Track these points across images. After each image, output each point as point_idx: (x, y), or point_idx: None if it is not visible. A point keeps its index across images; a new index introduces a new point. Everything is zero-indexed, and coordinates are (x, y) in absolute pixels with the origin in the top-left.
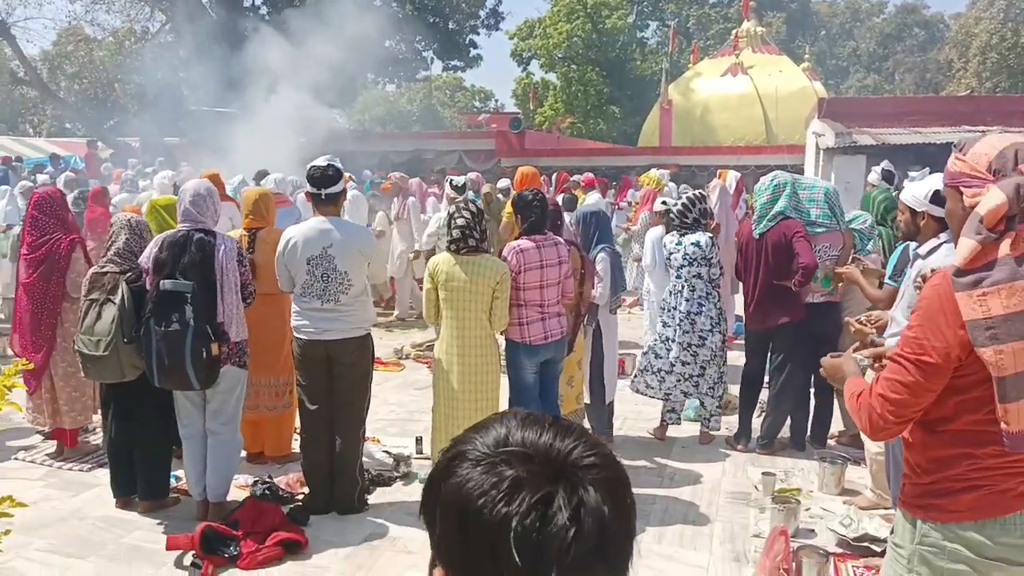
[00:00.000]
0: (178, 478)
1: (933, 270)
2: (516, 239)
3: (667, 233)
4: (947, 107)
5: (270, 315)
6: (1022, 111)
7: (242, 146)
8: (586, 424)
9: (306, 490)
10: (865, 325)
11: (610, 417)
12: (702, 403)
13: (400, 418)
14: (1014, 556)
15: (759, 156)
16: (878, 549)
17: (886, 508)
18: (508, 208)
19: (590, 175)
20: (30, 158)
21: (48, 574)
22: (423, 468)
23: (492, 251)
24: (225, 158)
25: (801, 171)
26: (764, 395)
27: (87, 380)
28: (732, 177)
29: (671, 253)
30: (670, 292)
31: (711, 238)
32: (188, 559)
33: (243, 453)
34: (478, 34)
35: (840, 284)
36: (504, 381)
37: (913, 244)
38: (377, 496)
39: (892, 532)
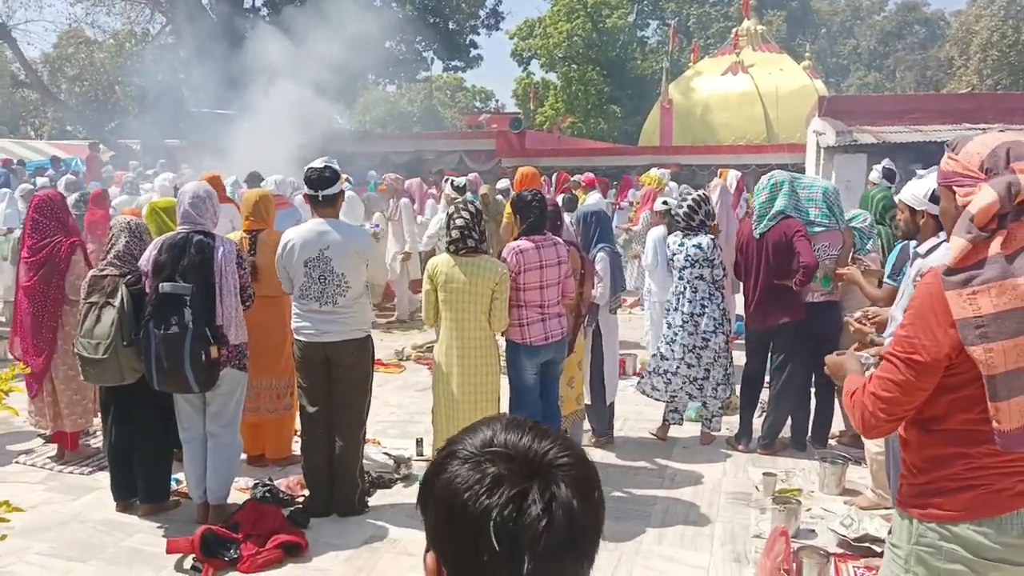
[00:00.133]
0: (178, 481)
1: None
2: (515, 240)
3: (670, 233)
4: (948, 105)
5: (271, 317)
6: (1023, 108)
7: (243, 148)
8: (586, 425)
9: (307, 492)
10: (864, 324)
11: (611, 418)
12: (704, 404)
13: (401, 420)
14: (1011, 556)
15: (760, 155)
16: (879, 549)
17: (887, 508)
18: (508, 209)
19: (590, 175)
20: (31, 161)
21: None
22: (423, 470)
23: (491, 252)
24: (226, 160)
25: (802, 170)
26: (765, 395)
27: (88, 383)
28: (733, 176)
29: (674, 254)
30: (673, 293)
31: (713, 239)
32: (188, 562)
33: (243, 456)
34: (478, 34)
35: (840, 284)
36: (504, 382)
37: (912, 243)
38: (377, 498)
39: (890, 532)
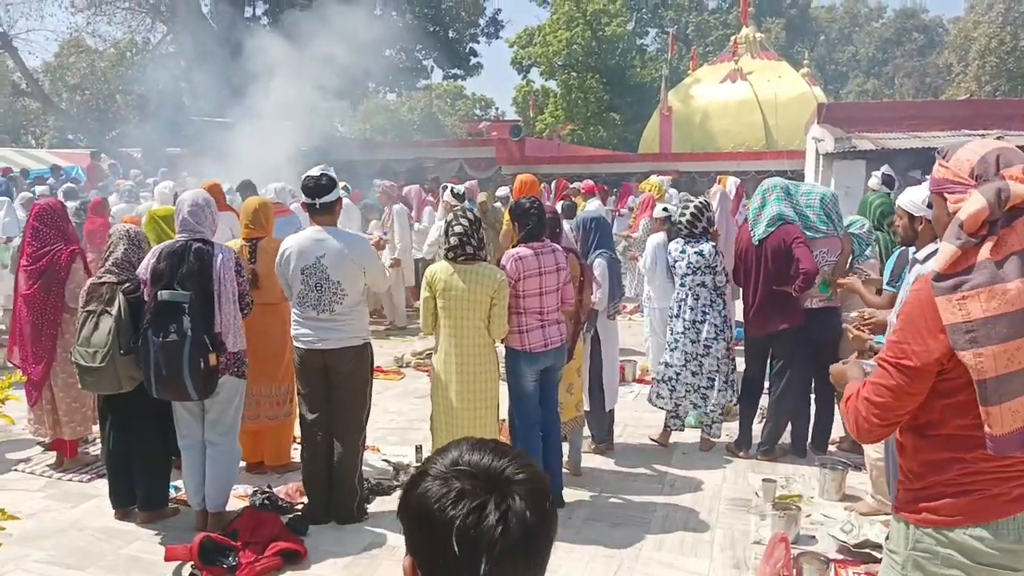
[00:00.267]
0: (177, 488)
1: None
2: (514, 247)
3: (670, 240)
4: (947, 111)
5: (271, 324)
6: (1022, 115)
7: (244, 156)
8: (586, 432)
9: (305, 500)
10: (863, 330)
11: (611, 424)
12: (705, 411)
13: (400, 427)
14: (1009, 561)
15: (759, 162)
16: (879, 555)
17: (887, 514)
18: (507, 216)
19: (590, 182)
20: (32, 170)
21: None
22: None
23: (490, 259)
24: (227, 168)
25: (801, 176)
26: (764, 401)
27: (87, 391)
28: (732, 183)
29: (675, 261)
30: (675, 300)
31: (714, 246)
32: (187, 570)
33: (242, 463)
34: (478, 42)
35: (840, 290)
36: (503, 389)
37: (911, 249)
38: (376, 505)
39: (887, 538)
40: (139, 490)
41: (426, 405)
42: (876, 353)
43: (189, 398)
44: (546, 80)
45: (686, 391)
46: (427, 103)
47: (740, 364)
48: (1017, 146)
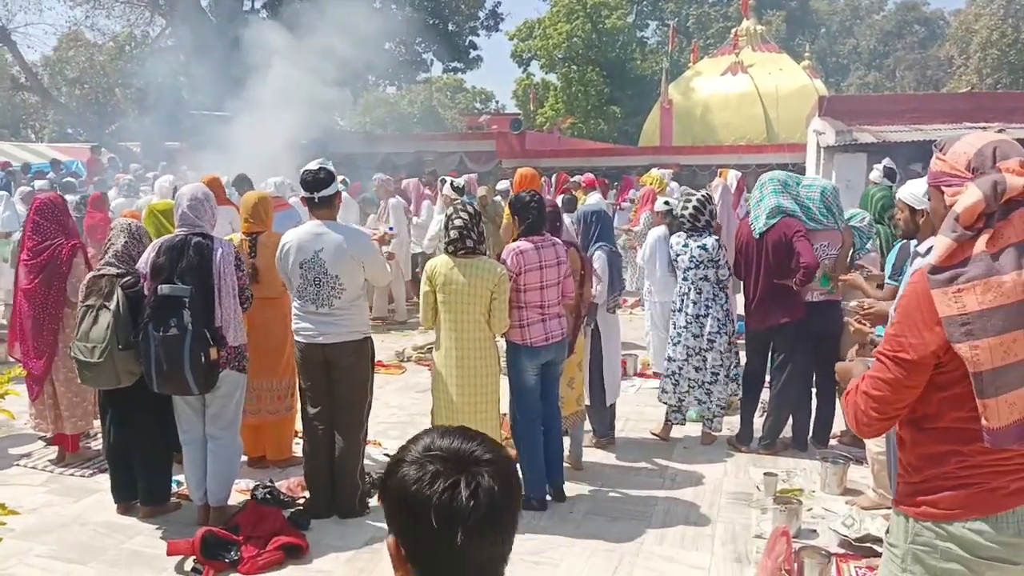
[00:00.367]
0: (179, 483)
1: None
2: (515, 241)
3: (672, 234)
4: (948, 104)
5: (271, 319)
6: (1023, 107)
7: (243, 150)
8: (587, 426)
9: (307, 494)
10: (864, 323)
11: (612, 418)
12: (708, 405)
13: (401, 421)
14: (1008, 555)
15: (760, 155)
16: (880, 549)
17: (888, 508)
18: (507, 210)
19: (590, 176)
20: (32, 164)
21: None
22: None
23: (489, 254)
24: (226, 162)
25: (802, 170)
26: (766, 395)
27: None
28: (733, 176)
29: (678, 255)
30: (677, 294)
31: (717, 240)
32: (189, 564)
33: (244, 457)
34: (478, 35)
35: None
36: (504, 383)
37: (913, 242)
38: (378, 499)
39: (887, 532)
40: (140, 485)
41: (427, 399)
42: (877, 346)
43: (190, 392)
44: (546, 73)
45: (689, 386)
46: (427, 96)
47: (742, 358)
48: (1018, 139)
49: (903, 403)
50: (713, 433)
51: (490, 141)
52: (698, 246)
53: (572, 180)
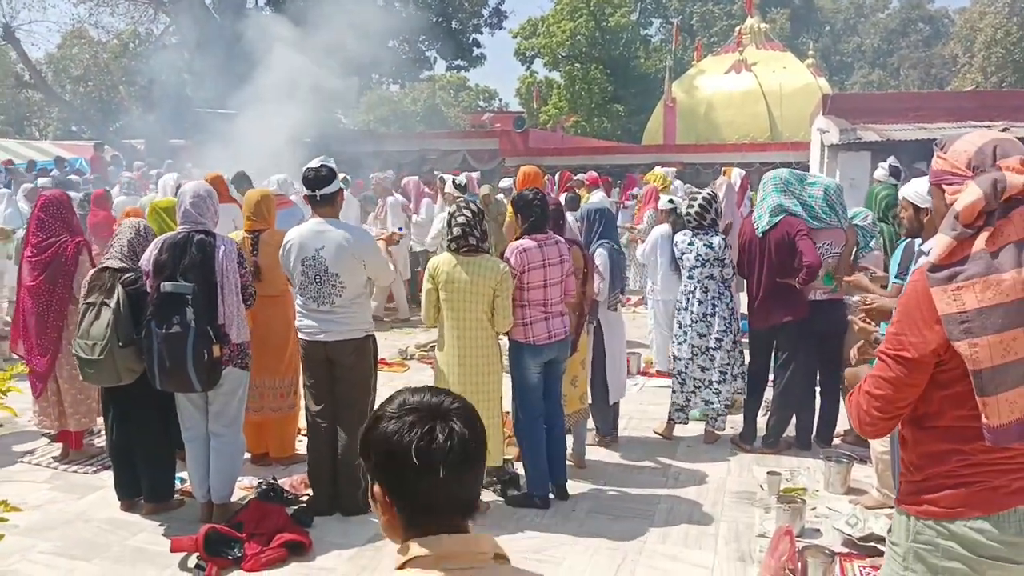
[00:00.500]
0: (183, 480)
1: None
2: (518, 239)
3: (675, 232)
4: (952, 102)
5: (274, 317)
6: None
7: (247, 147)
8: (591, 424)
9: (310, 491)
10: (868, 322)
11: (615, 417)
12: (708, 402)
13: None
14: (1010, 554)
15: (764, 153)
16: (884, 549)
17: (892, 507)
18: (510, 208)
19: (594, 174)
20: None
21: None
22: None
23: (492, 252)
24: (230, 159)
25: (806, 168)
26: (769, 394)
27: None
28: (737, 175)
29: (683, 253)
30: (683, 293)
31: (723, 238)
32: (192, 561)
33: (248, 455)
34: (481, 33)
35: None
36: (506, 381)
37: (917, 241)
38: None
39: (890, 531)
40: (144, 482)
41: None
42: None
43: (193, 390)
44: (550, 71)
45: (695, 386)
46: (430, 94)
47: (746, 357)
48: (1021, 138)
49: (905, 402)
50: (716, 432)
51: (493, 139)
52: (704, 244)
53: (575, 178)
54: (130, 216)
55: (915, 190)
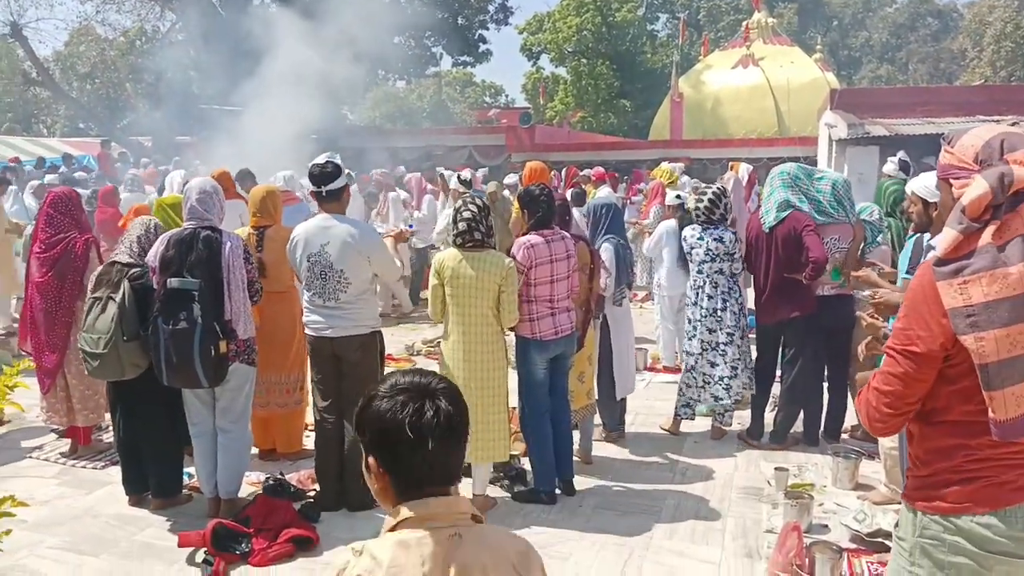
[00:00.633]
0: (190, 475)
1: None
2: (524, 235)
3: (683, 227)
4: (961, 97)
5: (280, 313)
6: None
7: (253, 144)
8: (597, 420)
9: (317, 487)
10: (876, 317)
11: (622, 413)
12: (717, 398)
13: None
14: (1017, 549)
15: (771, 148)
16: (892, 544)
17: (900, 503)
18: (517, 204)
19: (600, 169)
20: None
21: (61, 571)
22: None
23: (498, 248)
24: (237, 155)
25: (814, 163)
26: (777, 389)
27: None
28: (744, 170)
29: (692, 248)
30: (691, 288)
31: (734, 233)
32: (200, 556)
33: (255, 450)
34: (487, 29)
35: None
36: (512, 377)
37: (926, 236)
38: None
39: (896, 526)
40: (151, 477)
41: None
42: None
43: (200, 385)
44: (556, 67)
45: (704, 382)
46: (436, 90)
47: (754, 352)
48: None
49: (914, 397)
50: (724, 428)
51: (500, 135)
52: (714, 239)
53: (582, 174)
54: (139, 213)
55: (924, 184)
